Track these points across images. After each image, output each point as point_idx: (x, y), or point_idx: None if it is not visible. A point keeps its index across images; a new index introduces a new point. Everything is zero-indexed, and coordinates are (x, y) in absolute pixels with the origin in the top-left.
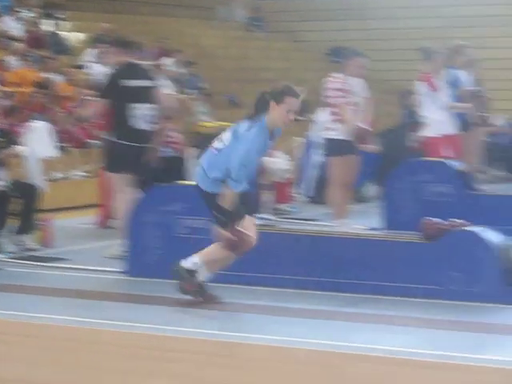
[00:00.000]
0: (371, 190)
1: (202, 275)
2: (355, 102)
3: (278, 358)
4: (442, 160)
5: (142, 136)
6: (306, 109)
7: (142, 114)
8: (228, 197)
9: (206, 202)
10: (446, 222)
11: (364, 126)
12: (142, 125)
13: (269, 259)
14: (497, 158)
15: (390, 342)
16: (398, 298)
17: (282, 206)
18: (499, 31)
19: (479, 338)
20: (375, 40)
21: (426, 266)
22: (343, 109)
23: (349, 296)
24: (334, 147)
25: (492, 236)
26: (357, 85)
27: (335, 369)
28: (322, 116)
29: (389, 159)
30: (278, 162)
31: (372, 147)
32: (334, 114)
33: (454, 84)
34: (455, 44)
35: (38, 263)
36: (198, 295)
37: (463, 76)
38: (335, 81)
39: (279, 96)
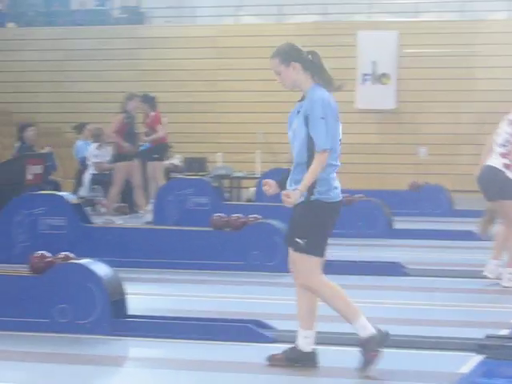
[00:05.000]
0: None
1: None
2: None
3: None
4: (56, 193)
5: None
6: None
7: None
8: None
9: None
10: (51, 255)
11: None
12: None
13: None
14: None
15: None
16: (9, 332)
17: None
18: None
19: (87, 370)
20: None
21: (35, 299)
22: None
23: None
24: None
25: (100, 268)
26: None
27: None
28: None
29: (4, 192)
30: None
31: None
32: None
33: None
34: None
35: None
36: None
37: None
38: None
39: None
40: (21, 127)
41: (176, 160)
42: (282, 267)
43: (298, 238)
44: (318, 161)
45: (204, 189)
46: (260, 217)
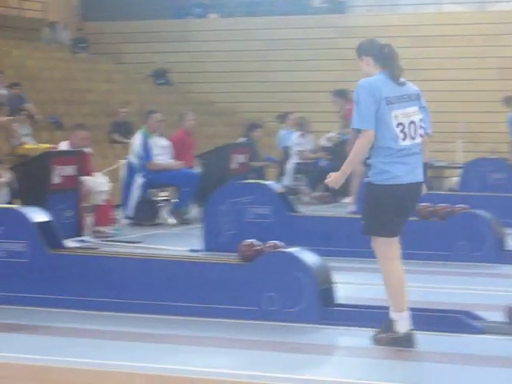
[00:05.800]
0: (194, 211)
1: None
2: None
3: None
4: (261, 182)
5: None
6: (130, 130)
7: None
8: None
9: None
10: (261, 243)
11: None
12: None
13: (91, 282)
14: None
15: (211, 364)
16: (218, 319)
17: (104, 229)
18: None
19: (296, 359)
20: (199, 62)
21: (244, 287)
22: None
23: (169, 318)
24: None
25: (308, 257)
26: None
27: None
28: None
29: (210, 181)
30: (99, 183)
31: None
32: None
33: None
34: None
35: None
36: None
37: None
38: None
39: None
40: (249, 126)
41: None
42: (489, 257)
43: (362, 219)
44: (357, 142)
45: None
46: (467, 206)
